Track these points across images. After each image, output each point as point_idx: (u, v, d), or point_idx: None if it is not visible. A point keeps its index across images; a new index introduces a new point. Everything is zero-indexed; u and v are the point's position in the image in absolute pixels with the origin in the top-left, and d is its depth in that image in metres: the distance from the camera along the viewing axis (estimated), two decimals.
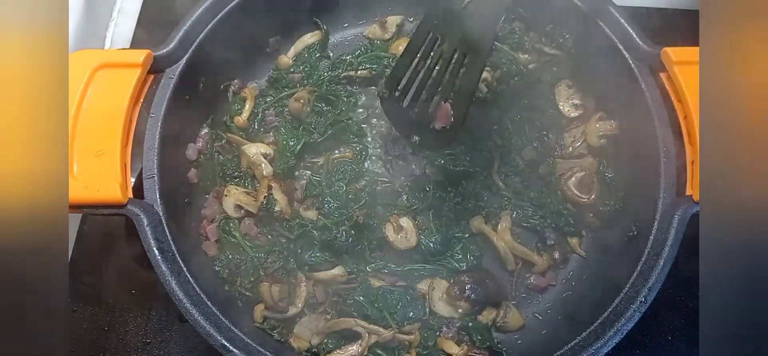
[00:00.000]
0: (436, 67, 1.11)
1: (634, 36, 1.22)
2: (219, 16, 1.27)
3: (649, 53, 1.21)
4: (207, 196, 1.30)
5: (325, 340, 1.17)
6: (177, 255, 1.08)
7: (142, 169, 1.15)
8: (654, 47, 1.21)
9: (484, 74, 1.33)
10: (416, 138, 1.17)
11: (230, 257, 1.23)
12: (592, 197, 1.28)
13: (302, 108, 1.33)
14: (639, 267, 1.08)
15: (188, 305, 1.04)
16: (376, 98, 1.39)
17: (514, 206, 1.31)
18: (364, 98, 1.41)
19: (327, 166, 1.32)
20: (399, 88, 1.14)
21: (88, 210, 1.10)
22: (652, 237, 1.10)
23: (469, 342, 1.18)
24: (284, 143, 1.31)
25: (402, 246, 1.23)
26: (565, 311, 1.23)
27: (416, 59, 1.12)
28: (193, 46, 1.24)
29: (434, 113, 1.11)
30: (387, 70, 1.40)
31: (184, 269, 1.08)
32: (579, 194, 1.29)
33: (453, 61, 1.09)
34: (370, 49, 1.46)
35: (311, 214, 1.25)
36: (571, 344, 1.04)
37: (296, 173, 1.32)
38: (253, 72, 1.44)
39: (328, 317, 1.20)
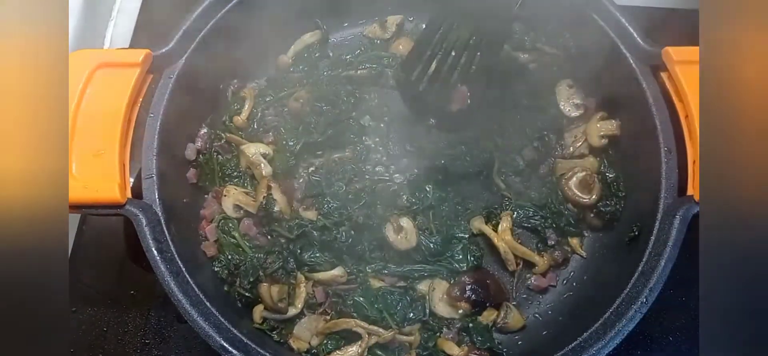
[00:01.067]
0: (453, 50, 1.10)
1: (635, 36, 1.22)
2: (219, 16, 1.27)
3: (650, 53, 1.21)
4: (206, 196, 1.29)
5: (325, 341, 1.17)
6: (176, 256, 1.08)
7: (140, 169, 1.15)
8: (655, 47, 1.20)
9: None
10: (432, 121, 1.16)
11: (229, 257, 1.22)
12: (593, 197, 1.28)
13: (302, 108, 1.33)
14: (640, 268, 1.07)
15: (187, 305, 1.04)
16: (376, 98, 1.39)
17: (515, 206, 1.30)
18: (364, 98, 1.40)
19: (327, 166, 1.31)
20: (415, 71, 1.13)
21: (87, 210, 1.10)
22: (653, 238, 1.09)
23: (469, 343, 1.18)
24: (284, 143, 1.31)
25: (402, 246, 1.23)
26: (566, 312, 1.23)
27: (433, 42, 1.11)
28: (193, 46, 1.24)
29: (451, 95, 1.11)
30: (387, 69, 1.40)
31: (183, 269, 1.07)
32: (580, 195, 1.29)
33: (470, 43, 1.08)
34: (370, 49, 1.46)
35: (311, 214, 1.25)
36: (572, 345, 1.04)
37: (296, 173, 1.32)
38: (252, 72, 1.44)
39: (328, 318, 1.20)
